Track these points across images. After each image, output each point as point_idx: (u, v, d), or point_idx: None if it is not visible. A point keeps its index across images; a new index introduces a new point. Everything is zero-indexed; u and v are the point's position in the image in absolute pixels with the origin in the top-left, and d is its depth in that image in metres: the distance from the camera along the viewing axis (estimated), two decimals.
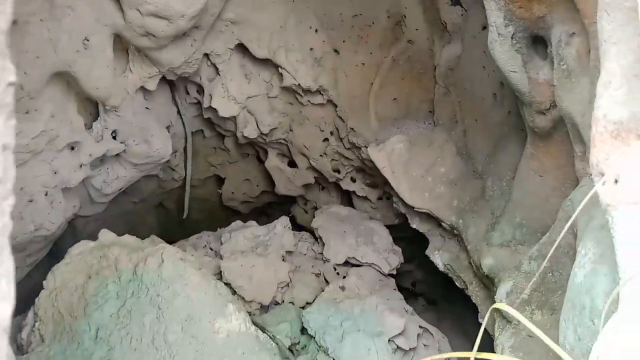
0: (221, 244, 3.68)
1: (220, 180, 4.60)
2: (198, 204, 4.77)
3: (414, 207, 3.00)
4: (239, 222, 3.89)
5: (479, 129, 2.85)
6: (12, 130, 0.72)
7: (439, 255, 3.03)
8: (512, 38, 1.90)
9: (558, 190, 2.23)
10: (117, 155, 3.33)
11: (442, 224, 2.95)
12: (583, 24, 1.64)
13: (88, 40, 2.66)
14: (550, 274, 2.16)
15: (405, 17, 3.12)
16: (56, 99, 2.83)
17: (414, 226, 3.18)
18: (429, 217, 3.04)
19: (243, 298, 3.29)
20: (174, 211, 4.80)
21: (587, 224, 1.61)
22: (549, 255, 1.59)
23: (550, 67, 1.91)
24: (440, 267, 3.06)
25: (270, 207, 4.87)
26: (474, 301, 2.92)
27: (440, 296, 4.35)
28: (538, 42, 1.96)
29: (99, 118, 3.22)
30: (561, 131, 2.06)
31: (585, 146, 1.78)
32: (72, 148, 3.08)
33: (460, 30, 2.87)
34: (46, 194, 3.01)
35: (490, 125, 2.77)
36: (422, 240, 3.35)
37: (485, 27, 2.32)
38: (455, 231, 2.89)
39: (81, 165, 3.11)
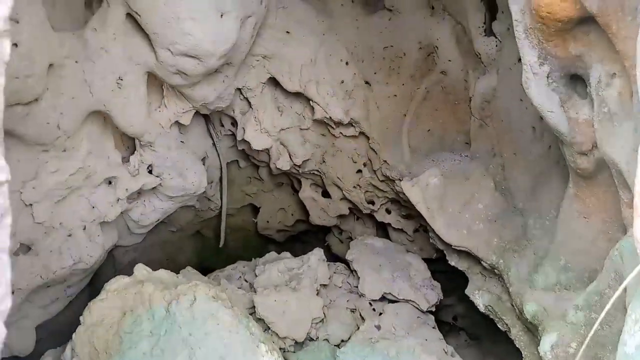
0: (255, 276, 3.65)
1: (255, 209, 4.61)
2: (234, 232, 4.80)
3: (451, 245, 2.87)
4: (273, 254, 3.86)
5: (518, 163, 2.71)
6: (7, 231, 0.70)
7: (480, 296, 2.88)
8: (547, 77, 1.79)
9: (605, 233, 2.07)
10: (154, 188, 3.38)
11: (482, 262, 2.80)
12: (624, 66, 1.51)
13: (122, 79, 2.73)
14: (600, 327, 1.99)
15: (437, 48, 3.04)
16: (93, 136, 2.91)
17: (452, 263, 3.05)
18: (467, 254, 2.91)
19: (277, 334, 3.23)
20: (211, 239, 4.84)
21: (637, 284, 1.46)
22: (596, 324, 1.45)
23: (590, 106, 1.78)
24: (481, 308, 2.91)
25: (305, 234, 4.83)
26: (517, 345, 2.75)
27: (484, 331, 4.14)
28: (576, 80, 1.83)
29: (135, 152, 3.28)
30: (605, 173, 1.91)
31: (632, 194, 1.63)
32: (109, 183, 3.15)
33: (495, 62, 2.75)
34: (84, 229, 3.08)
35: (530, 160, 2.63)
36: (462, 273, 3.19)
37: (521, 59, 2.21)
38: (496, 270, 2.74)
39: (118, 200, 3.17)
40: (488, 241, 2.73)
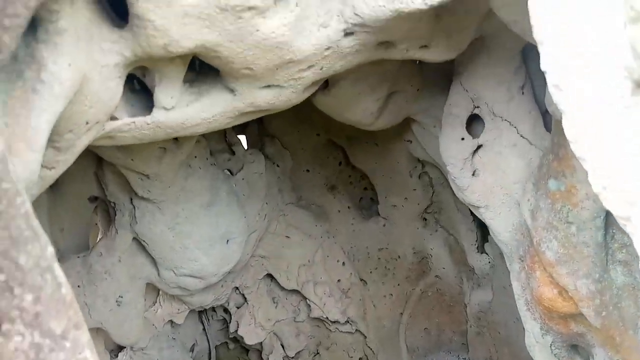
0: None
1: None
2: None
3: None
4: None
5: None
6: None
7: None
8: (550, 346, 1.86)
9: None
10: None
11: None
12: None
13: (122, 297, 2.71)
14: None
15: (431, 255, 3.17)
16: None
17: None
18: None
19: None
20: None
21: None
22: None
23: None
24: None
25: None
26: None
27: None
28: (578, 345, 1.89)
29: (124, 350, 3.17)
30: None
31: None
32: None
33: (489, 277, 2.85)
34: None
35: None
36: None
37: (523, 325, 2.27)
38: None
39: None
40: None
